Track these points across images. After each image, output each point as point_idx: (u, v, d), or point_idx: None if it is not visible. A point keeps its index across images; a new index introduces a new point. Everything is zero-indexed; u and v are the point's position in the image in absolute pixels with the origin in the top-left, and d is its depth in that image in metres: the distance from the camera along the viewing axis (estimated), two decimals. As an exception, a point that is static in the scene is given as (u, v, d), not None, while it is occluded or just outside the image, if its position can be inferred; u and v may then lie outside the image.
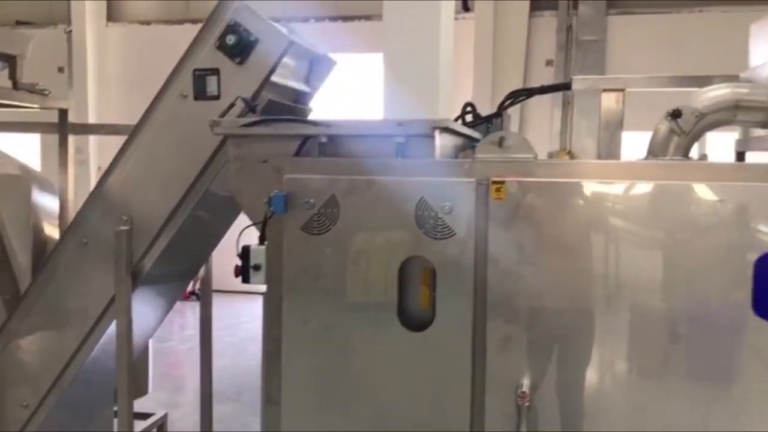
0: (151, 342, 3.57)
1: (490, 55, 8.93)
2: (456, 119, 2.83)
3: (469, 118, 2.84)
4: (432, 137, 1.98)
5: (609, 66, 8.74)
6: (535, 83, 7.61)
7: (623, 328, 1.84)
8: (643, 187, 1.81)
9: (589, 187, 1.82)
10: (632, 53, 8.51)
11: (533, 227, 1.85)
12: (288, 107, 2.52)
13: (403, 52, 4.62)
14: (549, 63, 9.00)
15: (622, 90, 2.89)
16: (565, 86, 3.00)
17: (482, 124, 2.87)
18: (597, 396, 1.85)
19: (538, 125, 8.81)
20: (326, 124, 2.01)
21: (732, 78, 2.36)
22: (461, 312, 1.90)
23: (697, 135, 2.01)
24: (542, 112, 8.94)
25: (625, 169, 1.89)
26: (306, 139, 2.01)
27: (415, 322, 1.94)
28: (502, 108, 2.95)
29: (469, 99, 3.26)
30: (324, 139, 1.98)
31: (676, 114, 1.97)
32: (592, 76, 3.22)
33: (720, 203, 1.77)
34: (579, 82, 3.02)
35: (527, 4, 9.02)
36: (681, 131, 1.98)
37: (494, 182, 1.85)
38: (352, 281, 1.96)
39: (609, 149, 2.93)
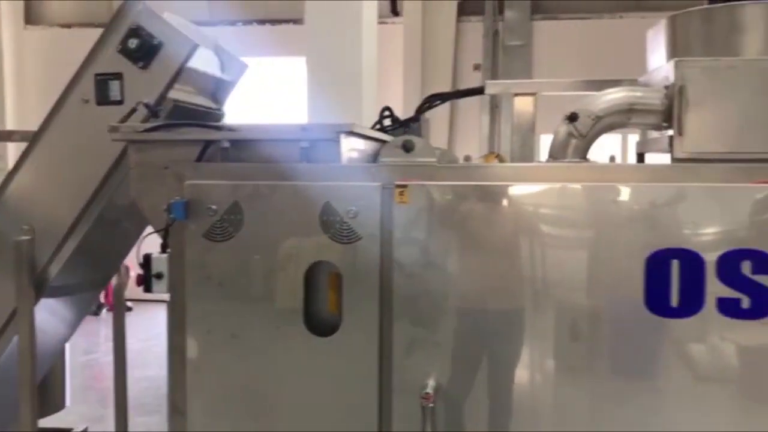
0: (69, 355, 3.45)
1: (419, 59, 9.01)
2: (375, 123, 2.84)
3: (387, 122, 2.85)
4: (337, 142, 1.98)
5: (535, 70, 8.95)
6: (463, 87, 7.74)
7: (527, 327, 1.87)
8: (541, 189, 1.85)
9: (490, 189, 1.85)
10: (557, 57, 8.72)
11: (437, 230, 1.86)
12: (195, 111, 2.48)
13: (326, 56, 4.63)
14: (477, 67, 9.13)
15: (533, 94, 2.95)
16: (479, 91, 3.03)
17: (400, 129, 2.88)
18: (500, 395, 1.87)
19: (469, 129, 8.94)
20: (228, 129, 1.98)
21: (632, 82, 2.44)
22: (368, 315, 1.90)
23: (594, 137, 2.06)
24: (473, 116, 9.07)
25: (524, 172, 1.93)
26: (208, 144, 1.98)
27: (323, 326, 1.93)
28: (419, 112, 2.97)
29: (400, 102, 3.28)
30: (226, 144, 1.96)
31: (573, 117, 2.02)
32: (505, 81, 3.29)
33: (614, 203, 1.82)
34: (492, 87, 3.07)
35: (455, 9, 9.13)
36: (578, 134, 2.03)
37: (398, 186, 1.86)
38: (257, 288, 1.94)
39: (522, 152, 2.99)
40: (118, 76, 2.25)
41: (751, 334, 1.77)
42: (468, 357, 1.88)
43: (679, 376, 1.81)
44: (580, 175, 1.89)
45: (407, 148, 1.95)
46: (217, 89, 2.71)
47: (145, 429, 4.67)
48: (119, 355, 3.27)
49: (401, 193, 1.85)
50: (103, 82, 2.26)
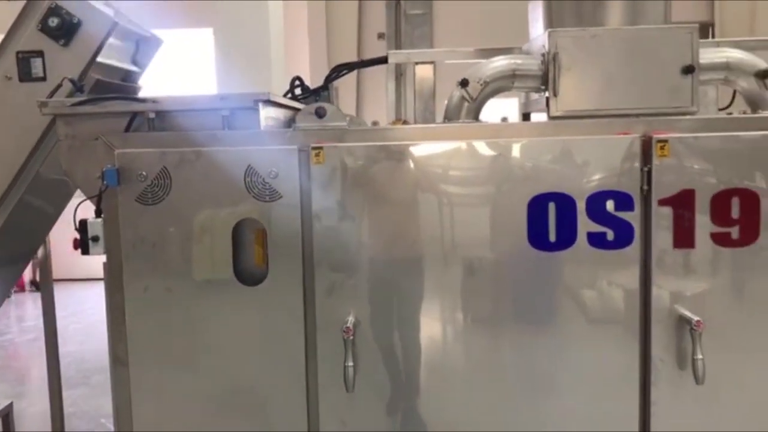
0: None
1: (324, 29, 9.15)
2: (287, 93, 3.03)
3: (298, 91, 3.05)
4: (256, 109, 2.18)
5: (436, 37, 9.26)
6: (368, 56, 7.95)
7: (431, 268, 2.14)
8: (439, 147, 2.12)
9: (393, 149, 2.10)
10: (457, 25, 9.05)
11: (349, 186, 2.10)
12: (116, 86, 2.61)
13: (233, 28, 4.73)
14: (381, 36, 9.34)
15: (432, 62, 3.22)
16: (383, 60, 3.26)
17: (311, 97, 3.08)
18: (410, 328, 2.15)
19: (376, 96, 9.16)
20: (154, 101, 2.15)
21: (517, 50, 2.74)
22: (291, 265, 2.13)
23: (483, 100, 2.35)
24: (379, 83, 9.29)
25: (423, 132, 2.19)
26: (135, 115, 2.14)
27: (251, 278, 2.15)
28: (328, 81, 3.18)
29: (307, 72, 3.46)
30: (152, 115, 2.12)
31: (464, 83, 2.29)
32: (406, 51, 3.54)
33: (501, 157, 2.11)
34: (394, 56, 3.31)
35: (358, -21, 9.30)
36: (470, 97, 2.31)
37: (313, 148, 2.09)
38: (189, 245, 2.13)
39: (424, 116, 3.26)
40: (39, 53, 2.36)
41: (615, 262, 2.11)
42: (382, 297, 2.14)
43: (557, 299, 2.14)
44: (472, 134, 2.17)
45: (320, 114, 2.18)
46: (135, 64, 2.84)
47: (71, 402, 4.77)
48: (49, 329, 3.37)
49: (316, 155, 2.08)
50: (25, 59, 2.36)
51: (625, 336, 2.13)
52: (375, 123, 3.65)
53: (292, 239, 2.12)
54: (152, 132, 2.15)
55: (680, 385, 2.11)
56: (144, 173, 2.10)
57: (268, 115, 2.30)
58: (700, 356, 2.05)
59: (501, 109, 2.92)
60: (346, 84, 9.02)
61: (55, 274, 3.39)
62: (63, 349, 5.84)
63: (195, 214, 2.12)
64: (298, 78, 3.16)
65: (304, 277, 2.13)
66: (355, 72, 8.99)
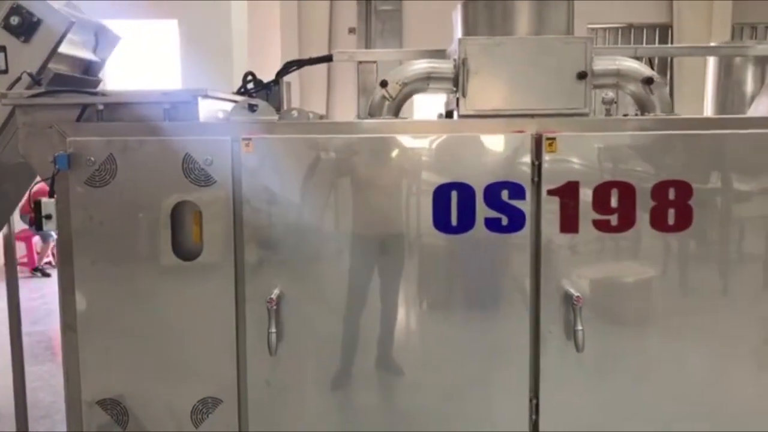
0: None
1: (296, 24, 9.38)
2: (240, 87, 3.28)
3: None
4: (195, 103, 2.44)
5: (406, 33, 9.54)
6: (340, 50, 8.18)
7: (347, 245, 2.41)
8: (358, 139, 2.39)
9: (316, 140, 2.37)
10: (426, 21, 9.32)
11: (276, 173, 2.37)
12: (73, 79, 2.86)
13: (197, 20, 4.95)
14: (352, 31, 9.62)
15: (374, 62, 3.49)
16: (328, 58, 3.52)
17: (263, 91, 3.34)
18: (328, 300, 2.43)
19: (347, 92, 9.40)
20: (103, 94, 2.41)
21: (443, 53, 3.01)
22: (224, 242, 2.40)
23: (402, 100, 2.63)
24: (349, 79, 9.53)
25: (344, 127, 2.47)
26: (85, 107, 2.39)
27: (188, 254, 2.42)
28: (278, 76, 3.43)
29: (279, 65, 3.67)
30: (101, 107, 2.38)
31: (384, 83, 2.57)
32: (350, 50, 3.79)
33: (412, 150, 2.39)
34: (338, 55, 3.56)
35: (329, -26, 9.55)
36: (390, 97, 2.59)
37: (244, 139, 2.36)
38: (132, 224, 2.39)
39: (366, 111, 3.53)
40: (2, 48, 2.60)
41: (509, 245, 2.40)
42: (304, 271, 2.42)
43: (458, 277, 2.43)
44: (389, 129, 2.44)
45: (252, 108, 2.45)
46: (93, 60, 3.08)
47: (37, 377, 5.01)
48: (13, 305, 3.59)
49: (247, 145, 2.35)
50: (-12, 54, 2.60)
51: (518, 310, 2.42)
52: (322, 117, 3.92)
53: (225, 220, 2.39)
54: (101, 122, 2.40)
55: (566, 353, 2.40)
56: (92, 159, 2.36)
57: (218, 108, 2.57)
58: (580, 327, 2.35)
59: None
60: (318, 79, 9.29)
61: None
62: (32, 328, 6.09)
63: (138, 196, 2.38)
64: (251, 73, 3.41)
65: (235, 254, 2.40)
66: (325, 69, 9.26)
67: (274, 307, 2.35)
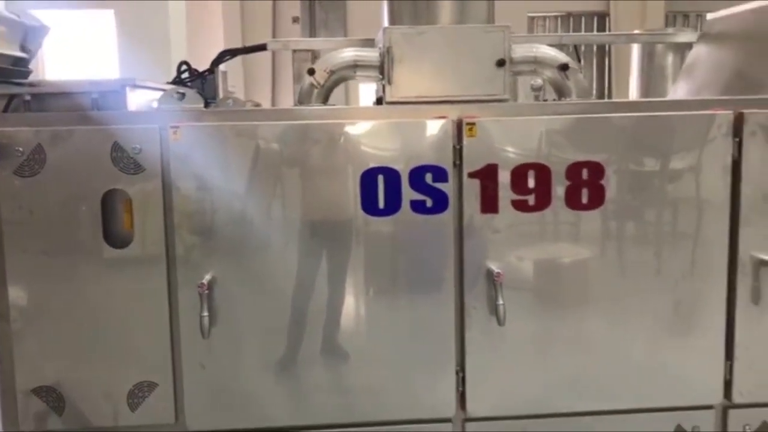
0: None
1: (239, 13, 9.34)
2: (176, 77, 3.31)
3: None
4: (123, 93, 2.48)
5: (350, 21, 9.58)
6: (284, 39, 8.19)
7: (278, 235, 2.48)
8: (286, 126, 2.46)
9: (242, 127, 2.43)
10: (370, 11, 9.36)
11: (205, 160, 2.43)
12: (3, 71, 2.84)
13: (133, 9, 4.92)
14: (295, 20, 9.61)
15: (310, 50, 3.55)
16: (262, 47, 3.57)
17: (198, 80, 3.37)
18: (259, 284, 2.50)
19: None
20: (30, 84, 2.42)
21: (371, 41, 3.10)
22: (155, 229, 2.45)
23: (331, 87, 2.71)
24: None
25: (272, 113, 2.53)
26: (12, 97, 2.41)
27: (120, 241, 2.46)
28: (213, 65, 3.47)
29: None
30: (28, 98, 2.40)
31: (311, 71, 2.64)
32: (285, 39, 3.84)
33: (341, 135, 2.46)
34: (273, 44, 3.61)
35: (272, -37, 9.51)
36: (318, 84, 2.66)
37: (172, 127, 2.40)
38: (62, 213, 2.42)
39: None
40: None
41: (433, 225, 2.50)
42: (235, 255, 2.48)
43: (386, 257, 2.52)
44: (317, 115, 2.51)
45: (180, 96, 2.49)
46: (23, 50, 3.07)
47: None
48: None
49: (174, 133, 2.39)
50: None
51: (444, 287, 2.53)
52: (257, 104, 3.96)
53: (155, 207, 2.43)
54: (29, 113, 2.42)
55: (489, 327, 2.52)
56: (21, 149, 2.37)
57: (152, 98, 2.60)
58: (501, 302, 2.47)
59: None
60: (262, 68, 9.28)
61: None
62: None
63: (68, 185, 2.40)
64: (185, 62, 3.44)
65: (167, 241, 2.45)
66: (269, 57, 9.25)
67: (206, 292, 2.41)
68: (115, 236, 2.46)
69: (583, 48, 10.50)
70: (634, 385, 2.61)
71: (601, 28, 10.40)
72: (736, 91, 3.02)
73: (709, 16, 3.49)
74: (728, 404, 2.64)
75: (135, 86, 2.52)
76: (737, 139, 2.50)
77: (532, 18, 10.45)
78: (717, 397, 2.62)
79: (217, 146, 2.42)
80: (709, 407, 2.64)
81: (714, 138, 2.51)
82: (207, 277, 2.43)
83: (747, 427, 2.64)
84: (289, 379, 2.55)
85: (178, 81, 3.32)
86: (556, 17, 10.55)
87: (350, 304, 2.56)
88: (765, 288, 2.54)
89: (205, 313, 2.41)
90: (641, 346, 2.60)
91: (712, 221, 2.55)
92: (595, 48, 10.39)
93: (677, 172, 2.53)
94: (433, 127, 2.48)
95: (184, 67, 3.41)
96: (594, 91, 10.44)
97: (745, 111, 2.50)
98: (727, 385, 2.61)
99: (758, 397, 2.63)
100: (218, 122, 2.44)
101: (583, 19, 10.53)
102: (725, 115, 2.50)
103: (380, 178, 2.47)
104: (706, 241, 2.55)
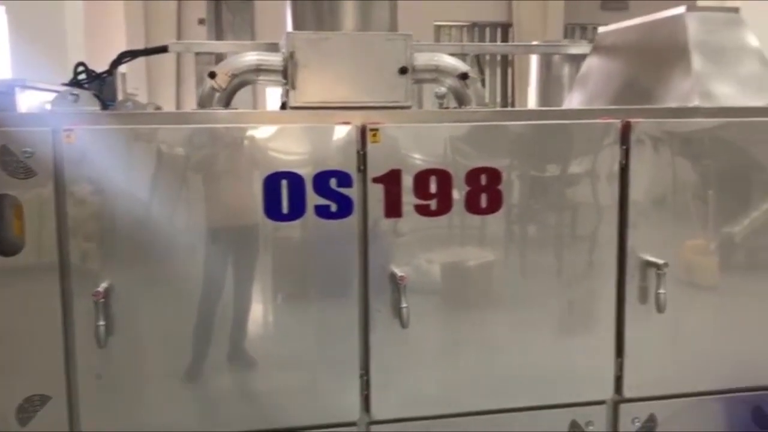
0: None
1: (142, 14, 9.08)
2: (73, 78, 3.18)
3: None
4: (12, 94, 2.37)
5: (258, 24, 9.50)
6: (188, 40, 8.03)
7: (179, 241, 2.43)
8: (187, 130, 2.41)
9: (139, 131, 2.37)
10: (278, 13, 9.31)
11: (101, 164, 2.35)
12: None
13: (26, 7, 4.70)
14: (201, 22, 9.44)
15: (213, 54, 3.50)
16: (164, 49, 3.49)
17: (95, 82, 3.26)
18: (160, 290, 2.44)
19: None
20: None
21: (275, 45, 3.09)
22: (47, 235, 2.35)
23: (233, 91, 2.68)
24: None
25: (171, 117, 2.48)
26: None
27: (11, 248, 2.35)
28: (112, 67, 3.36)
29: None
30: None
31: (212, 75, 2.61)
32: (187, 41, 3.78)
33: (243, 139, 2.44)
34: (174, 46, 3.55)
35: (176, -37, 9.31)
36: (219, 88, 2.63)
37: (66, 130, 2.31)
38: (-55, 219, 2.29)
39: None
40: None
41: (338, 230, 2.51)
42: (133, 262, 2.41)
43: (291, 262, 2.52)
44: (219, 119, 2.48)
45: (75, 98, 2.41)
46: None
47: None
48: None
49: (68, 136, 2.31)
50: None
51: (349, 291, 2.55)
52: (158, 107, 3.87)
53: (47, 213, 2.34)
54: None
55: (393, 330, 2.55)
56: None
57: (46, 100, 2.49)
58: (404, 305, 2.50)
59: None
60: (166, 69, 9.06)
61: None
62: None
63: (-50, 190, 2.28)
64: (82, 63, 3.32)
65: (60, 248, 2.35)
66: (174, 61, 9.05)
67: (102, 300, 2.33)
68: (4, 243, 2.35)
69: (488, 57, 10.83)
70: (533, 383, 2.71)
71: (505, 38, 10.73)
72: (626, 100, 3.19)
73: (601, 29, 3.67)
74: (619, 399, 2.78)
75: (26, 87, 2.41)
76: (624, 147, 2.64)
77: (439, 27, 10.66)
78: (608, 393, 2.76)
79: (114, 150, 2.35)
80: (601, 402, 2.77)
81: (604, 145, 2.65)
82: (103, 285, 2.36)
83: (636, 420, 2.79)
84: (195, 387, 2.51)
85: (74, 82, 3.20)
86: (461, 26, 10.81)
87: (256, 310, 2.54)
88: (651, 288, 2.69)
89: (102, 322, 2.33)
90: (539, 345, 2.70)
91: (602, 225, 2.68)
92: (499, 58, 10.70)
93: (570, 178, 2.64)
94: (337, 132, 2.50)
95: (81, 68, 3.29)
96: (498, 100, 10.77)
97: (631, 120, 2.64)
98: (618, 380, 2.75)
99: (646, 392, 2.78)
100: (115, 125, 2.37)
101: (487, 29, 10.83)
102: (613, 124, 2.64)
103: (284, 183, 2.46)
104: (598, 244, 2.68)
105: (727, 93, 2.94)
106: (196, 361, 2.49)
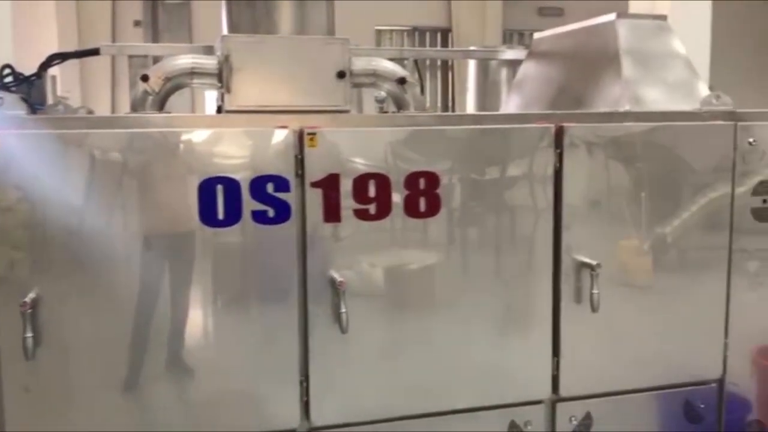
0: None
1: (74, 16, 8.83)
2: (-1, 81, 3.06)
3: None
4: (-73, 98, 2.27)
5: (195, 28, 9.35)
6: (124, 43, 7.83)
7: (112, 249, 2.37)
8: (118, 135, 2.35)
9: (71, 135, 2.30)
10: (216, 15, 9.17)
11: (27, 170, 2.27)
12: None
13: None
14: (137, 23, 9.24)
15: (145, 56, 3.43)
16: (94, 52, 3.40)
17: (24, 84, 3.14)
18: (91, 299, 2.37)
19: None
20: None
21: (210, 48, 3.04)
22: (-30, 246, 2.25)
23: (167, 94, 2.63)
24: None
25: (108, 121, 2.41)
26: None
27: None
28: (41, 69, 3.25)
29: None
30: None
31: (144, 78, 2.55)
32: (119, 44, 3.69)
33: (177, 144, 2.39)
34: (106, 49, 3.46)
35: (109, -35, 9.09)
36: (152, 91, 2.57)
37: (-14, 135, 2.23)
38: None
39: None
40: None
41: (276, 235, 2.49)
42: (64, 272, 2.33)
43: (227, 269, 2.48)
44: (151, 124, 2.43)
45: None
46: None
47: None
48: None
49: (-10, 141, 2.22)
50: None
51: (288, 297, 2.52)
52: (90, 111, 3.77)
53: (-29, 221, 2.24)
54: None
55: (333, 336, 2.53)
56: None
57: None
58: (343, 310, 2.49)
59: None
60: (101, 71, 8.82)
61: None
62: None
63: None
64: (8, 66, 3.20)
65: (-14, 257, 2.26)
66: (109, 64, 8.82)
67: (29, 311, 2.25)
68: (-77, 254, 2.24)
69: (428, 62, 10.92)
70: (473, 384, 2.74)
71: (445, 43, 10.85)
72: (560, 105, 3.26)
73: (536, 35, 3.74)
74: (556, 398, 2.83)
75: (-56, 90, 2.31)
76: (558, 151, 2.69)
77: (380, 31, 10.70)
78: (546, 392, 2.80)
79: (42, 155, 2.27)
80: (539, 402, 2.81)
81: (539, 149, 2.69)
82: (31, 295, 2.27)
83: (573, 419, 2.84)
84: (130, 397, 2.44)
85: (0, 86, 3.08)
86: (402, 31, 10.87)
87: (193, 317, 2.49)
88: (585, 288, 2.75)
89: (29, 334, 2.24)
90: (478, 346, 2.72)
91: (538, 227, 2.73)
92: (439, 63, 10.81)
93: (508, 182, 2.68)
94: (274, 136, 2.47)
95: (7, 70, 3.17)
96: (439, 104, 10.87)
97: (564, 124, 2.70)
98: (555, 380, 2.80)
99: (582, 390, 2.84)
100: (43, 129, 2.30)
101: (428, 34, 10.92)
102: (548, 128, 2.69)
103: (219, 189, 2.42)
104: (534, 246, 2.73)
105: (656, 98, 3.04)
106: (131, 372, 2.43)
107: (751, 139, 2.91)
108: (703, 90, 3.13)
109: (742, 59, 10.50)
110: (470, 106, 4.41)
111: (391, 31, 10.80)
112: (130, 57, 3.46)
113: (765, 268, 3.03)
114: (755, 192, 2.96)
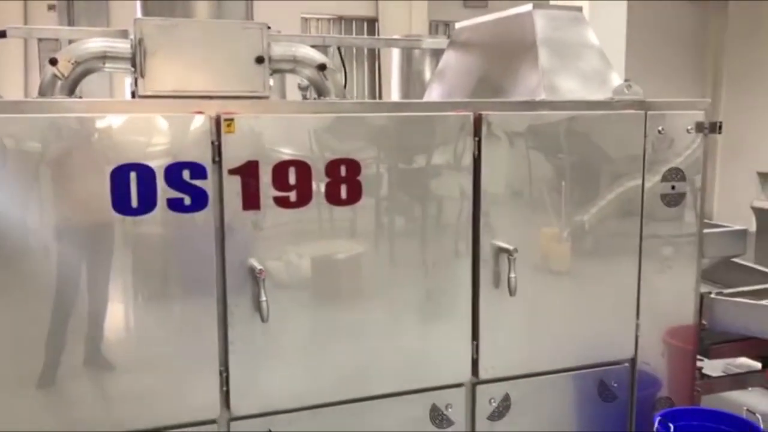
0: None
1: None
2: None
3: None
4: None
5: (113, 12, 9.03)
6: (37, 27, 7.47)
7: (28, 238, 2.26)
8: (23, 120, 2.25)
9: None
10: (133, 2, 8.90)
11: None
12: None
13: None
14: (51, 8, 8.86)
15: (56, 39, 3.29)
16: (1, 34, 3.25)
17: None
18: (8, 291, 2.27)
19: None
20: None
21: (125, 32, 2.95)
22: None
23: (77, 79, 2.53)
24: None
25: (13, 106, 2.29)
26: None
27: None
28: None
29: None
30: None
31: (53, 61, 2.45)
32: (28, 27, 3.54)
33: (86, 130, 2.30)
34: (14, 31, 3.31)
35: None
36: (62, 75, 2.47)
37: None
38: None
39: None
40: None
41: (193, 224, 2.43)
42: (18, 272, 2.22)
43: (140, 259, 2.41)
44: (60, 109, 2.32)
45: None
46: None
47: None
48: None
49: None
50: None
51: (206, 287, 2.48)
52: (-2, 98, 3.60)
53: None
54: None
55: (253, 325, 2.51)
56: None
57: None
58: (264, 298, 2.46)
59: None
60: (12, 61, 8.42)
61: None
62: None
63: None
64: None
65: None
66: (21, 48, 8.42)
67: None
68: None
69: (355, 51, 10.89)
70: (395, 370, 2.76)
71: (372, 32, 10.84)
72: (480, 94, 3.31)
73: (457, 25, 3.78)
74: (476, 381, 2.88)
75: None
76: (477, 139, 2.73)
77: (306, 19, 10.61)
78: (466, 376, 2.85)
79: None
80: (459, 385, 2.86)
81: (458, 137, 2.73)
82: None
83: (492, 401, 2.90)
84: (48, 392, 2.34)
85: None
86: (328, 19, 10.80)
87: (111, 309, 2.40)
88: (503, 273, 2.80)
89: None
90: (400, 332, 2.74)
91: (459, 213, 2.77)
92: (366, 52, 10.79)
93: (429, 169, 2.70)
94: (190, 122, 2.41)
95: None
96: (366, 93, 10.86)
97: (483, 113, 2.74)
98: (475, 363, 2.85)
99: (501, 372, 2.91)
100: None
101: (354, 23, 10.89)
102: (467, 116, 2.72)
103: (132, 176, 2.35)
104: (454, 232, 2.77)
105: (571, 87, 3.12)
106: (49, 366, 2.33)
107: (660, 128, 3.03)
108: (617, 80, 3.23)
109: (659, 53, 10.92)
110: (394, 95, 4.43)
111: (318, 19, 10.72)
112: (41, 41, 3.29)
113: (674, 252, 3.16)
114: (664, 178, 3.08)
